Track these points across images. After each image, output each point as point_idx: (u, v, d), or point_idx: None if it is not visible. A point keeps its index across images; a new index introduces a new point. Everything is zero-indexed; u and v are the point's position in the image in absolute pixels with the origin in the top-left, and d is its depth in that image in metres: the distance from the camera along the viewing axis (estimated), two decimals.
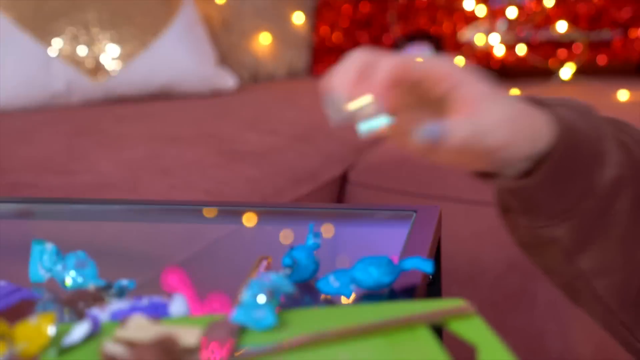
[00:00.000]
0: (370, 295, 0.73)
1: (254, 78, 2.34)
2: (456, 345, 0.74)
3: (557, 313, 1.46)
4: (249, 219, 0.99)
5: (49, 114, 1.83)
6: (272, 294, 0.65)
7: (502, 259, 1.48)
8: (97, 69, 1.96)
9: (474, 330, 0.63)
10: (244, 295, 0.65)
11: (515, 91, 2.09)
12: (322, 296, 0.73)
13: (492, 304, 1.49)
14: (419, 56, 0.68)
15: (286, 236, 0.93)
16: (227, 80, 2.10)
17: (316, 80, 2.35)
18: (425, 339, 0.62)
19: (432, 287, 0.89)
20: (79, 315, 0.71)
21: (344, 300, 0.72)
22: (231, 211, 1.02)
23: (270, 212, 1.03)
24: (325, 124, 1.78)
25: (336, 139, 1.73)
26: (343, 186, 1.64)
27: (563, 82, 2.16)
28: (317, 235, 0.77)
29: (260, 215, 1.01)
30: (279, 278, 0.67)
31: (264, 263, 0.76)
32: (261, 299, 0.65)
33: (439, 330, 0.65)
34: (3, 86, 1.87)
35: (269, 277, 0.66)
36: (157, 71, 2.01)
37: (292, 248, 0.75)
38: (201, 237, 0.99)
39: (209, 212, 1.02)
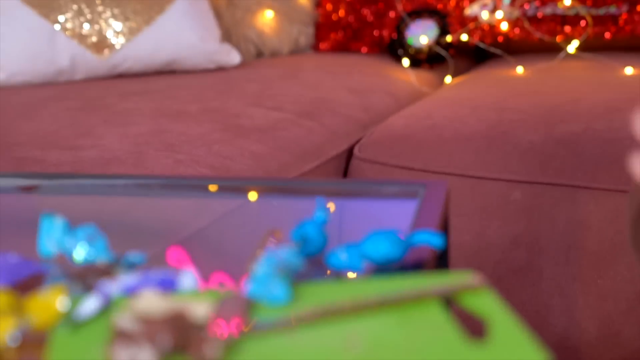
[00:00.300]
0: (378, 268, 0.73)
1: (258, 54, 2.34)
2: (466, 316, 0.74)
3: (562, 288, 1.46)
4: (256, 194, 0.99)
5: (53, 90, 1.82)
6: (285, 269, 0.65)
7: (508, 235, 1.48)
8: (102, 44, 1.95)
9: (485, 303, 0.63)
10: (258, 269, 0.65)
11: (521, 66, 2.08)
12: (329, 271, 0.73)
13: (498, 279, 1.49)
14: None
15: (291, 214, 0.93)
16: (232, 56, 2.10)
17: (321, 56, 2.34)
18: (436, 312, 0.62)
19: (440, 261, 0.89)
20: (89, 290, 0.71)
21: (353, 274, 0.72)
22: (239, 186, 1.02)
23: (277, 187, 1.03)
24: (330, 99, 1.78)
25: (341, 114, 1.73)
26: (348, 162, 1.64)
27: (569, 56, 2.16)
28: (326, 210, 0.77)
29: (266, 190, 1.01)
30: (290, 253, 0.67)
31: (273, 237, 0.76)
32: (276, 273, 0.65)
33: (447, 301, 0.65)
34: (7, 61, 1.87)
35: (281, 251, 0.66)
36: (161, 47, 2.01)
37: (301, 222, 0.75)
38: (208, 212, 0.99)
39: (217, 187, 1.02)
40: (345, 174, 1.63)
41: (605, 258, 1.44)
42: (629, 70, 1.97)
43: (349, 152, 1.64)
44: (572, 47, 2.16)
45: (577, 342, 1.46)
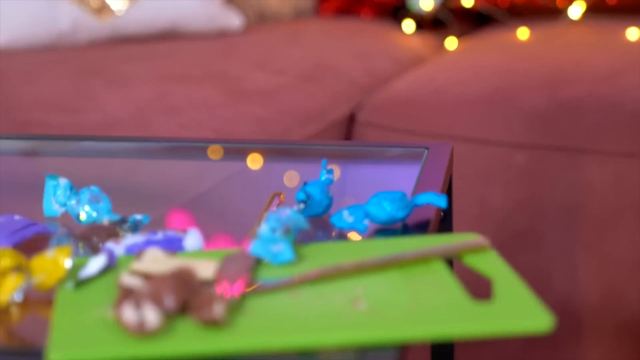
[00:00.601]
0: (383, 230, 0.73)
1: (260, 18, 2.33)
2: (469, 278, 0.75)
3: (565, 252, 1.47)
4: (260, 157, 0.99)
5: (55, 54, 1.82)
6: (289, 229, 0.65)
7: (511, 199, 1.48)
8: (103, 8, 1.95)
9: (489, 263, 0.63)
10: (262, 228, 0.65)
11: (524, 30, 2.07)
12: (334, 232, 0.73)
13: (500, 243, 1.50)
14: None
15: (295, 175, 0.93)
16: (234, 20, 2.09)
17: (323, 21, 2.33)
18: (440, 271, 0.62)
19: (443, 224, 0.89)
20: (94, 250, 0.71)
21: (358, 235, 0.72)
22: (243, 149, 1.02)
23: (281, 150, 1.03)
24: (332, 64, 1.78)
25: (343, 78, 1.73)
26: (350, 126, 1.64)
27: (572, 20, 2.15)
28: (330, 171, 0.77)
29: (271, 153, 1.01)
30: (295, 213, 0.67)
31: (277, 199, 0.76)
32: (281, 233, 0.65)
33: (449, 264, 0.65)
34: (8, 25, 1.86)
35: (285, 212, 0.67)
36: (162, 10, 2.00)
37: (305, 183, 0.75)
38: (212, 175, 0.99)
39: (221, 150, 1.02)
40: (347, 137, 1.63)
41: (608, 222, 1.44)
42: (632, 34, 1.96)
43: (351, 116, 1.64)
44: (576, 10, 2.16)
45: (579, 306, 1.47)
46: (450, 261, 0.66)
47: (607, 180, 1.43)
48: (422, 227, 0.73)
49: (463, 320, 0.55)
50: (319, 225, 0.74)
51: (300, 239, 0.69)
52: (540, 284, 1.48)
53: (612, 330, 1.46)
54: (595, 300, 1.46)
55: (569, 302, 1.47)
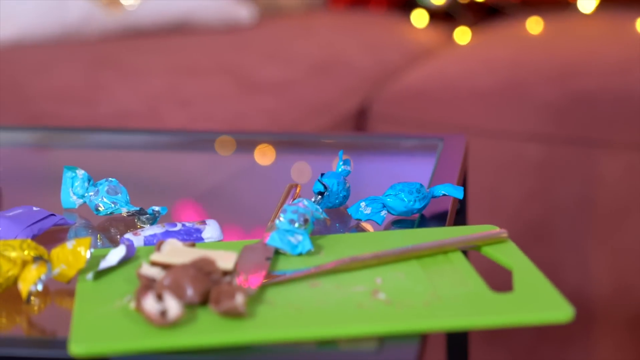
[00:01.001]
0: (400, 220, 0.73)
1: (270, 11, 2.33)
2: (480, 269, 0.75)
3: (577, 245, 1.47)
4: (274, 149, 0.99)
5: (66, 47, 1.82)
6: (307, 220, 0.66)
7: (523, 190, 1.48)
8: (113, 1, 1.95)
9: (508, 254, 0.63)
10: (279, 220, 0.65)
11: (536, 22, 2.07)
12: (352, 223, 0.73)
13: (512, 235, 1.49)
14: None
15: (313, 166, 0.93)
16: (244, 13, 2.09)
17: (333, 14, 2.33)
18: (459, 262, 0.62)
19: (458, 216, 0.89)
20: (112, 241, 0.71)
21: (376, 226, 0.72)
22: (257, 140, 1.02)
23: (295, 142, 1.03)
24: (342, 57, 1.78)
25: (354, 71, 1.72)
26: (361, 118, 1.64)
27: (583, 13, 2.14)
28: (347, 161, 0.77)
29: (285, 145, 1.01)
30: (312, 204, 0.67)
31: (294, 190, 0.76)
32: (299, 225, 0.65)
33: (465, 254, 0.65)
34: (19, 19, 1.87)
35: (303, 203, 0.67)
36: (174, 4, 2.00)
37: (322, 174, 0.75)
38: (227, 165, 0.99)
39: (235, 142, 1.02)
40: (358, 130, 1.63)
41: (619, 214, 1.44)
42: None
43: (361, 109, 1.64)
44: (588, 3, 2.15)
45: (591, 299, 1.47)
46: (465, 253, 0.66)
47: (618, 173, 1.43)
48: (439, 219, 0.73)
49: (486, 310, 0.55)
50: (336, 216, 0.74)
51: (317, 230, 0.69)
52: (552, 276, 1.48)
53: (624, 323, 1.46)
54: (606, 292, 1.46)
55: (580, 294, 1.47)
